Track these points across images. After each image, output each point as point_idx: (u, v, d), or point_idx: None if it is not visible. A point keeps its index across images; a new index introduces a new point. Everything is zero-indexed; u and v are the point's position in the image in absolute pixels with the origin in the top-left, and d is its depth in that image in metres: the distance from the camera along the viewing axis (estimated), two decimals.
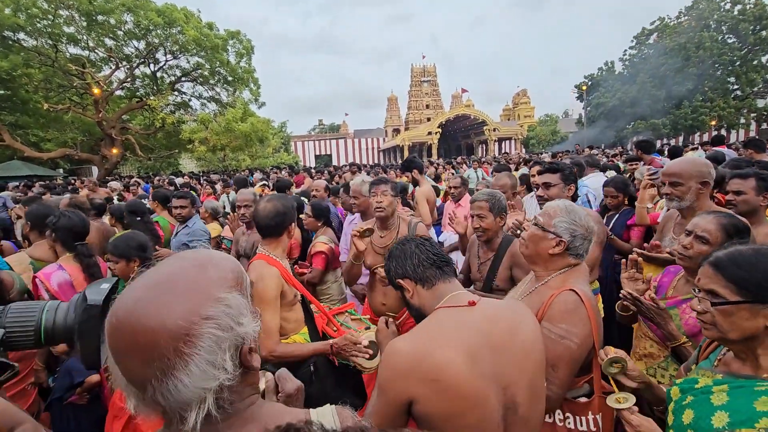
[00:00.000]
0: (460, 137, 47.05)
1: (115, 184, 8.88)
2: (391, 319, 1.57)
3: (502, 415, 1.09)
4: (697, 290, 1.12)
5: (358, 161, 41.15)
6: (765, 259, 1.02)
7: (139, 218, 3.70)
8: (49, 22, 18.02)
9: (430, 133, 38.14)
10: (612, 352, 1.32)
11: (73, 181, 13.38)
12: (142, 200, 5.44)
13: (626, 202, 3.59)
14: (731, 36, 29.82)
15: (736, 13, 29.11)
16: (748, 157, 4.59)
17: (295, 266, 3.36)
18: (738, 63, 29.42)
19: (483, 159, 12.61)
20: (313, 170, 11.42)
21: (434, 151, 38.18)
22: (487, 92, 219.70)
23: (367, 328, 1.97)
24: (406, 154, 37.59)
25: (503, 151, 38.87)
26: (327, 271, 3.33)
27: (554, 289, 1.51)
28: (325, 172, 10.99)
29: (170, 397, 0.59)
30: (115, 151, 21.16)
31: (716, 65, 29.55)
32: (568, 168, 2.64)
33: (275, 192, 5.72)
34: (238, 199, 3.26)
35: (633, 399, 1.20)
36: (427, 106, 49.55)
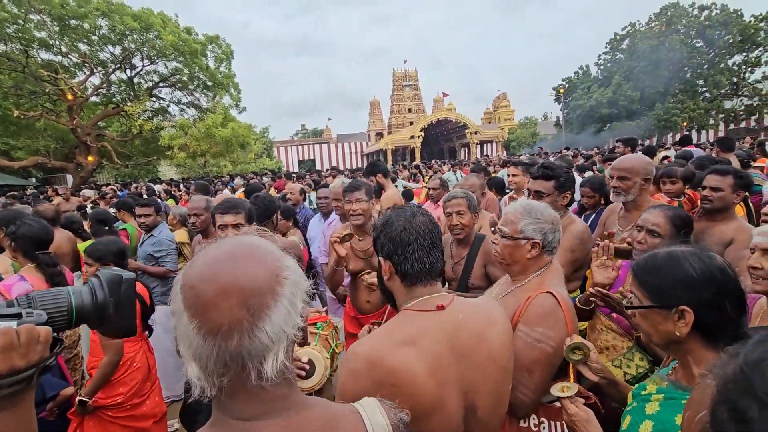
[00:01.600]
0: (443, 140, 47.49)
1: (89, 193, 8.64)
2: (376, 327, 1.49)
3: (462, 417, 1.10)
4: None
5: (341, 166, 41.09)
6: (671, 265, 1.02)
7: (107, 227, 3.71)
8: (19, 27, 17.49)
9: (412, 137, 38.38)
10: (577, 338, 1.32)
11: (45, 191, 12.97)
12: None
13: (602, 202, 3.69)
14: (699, 40, 31.01)
15: (702, 18, 30.33)
16: (715, 155, 4.80)
17: None
18: (706, 66, 30.61)
19: (464, 161, 12.74)
20: (293, 175, 11.38)
21: (417, 155, 38.41)
22: (469, 95, 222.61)
23: (308, 344, 1.87)
24: (389, 158, 37.72)
25: (484, 154, 39.43)
26: None
27: (531, 291, 1.48)
28: (306, 176, 10.94)
29: (256, 340, 0.62)
30: (90, 158, 20.61)
31: (685, 68, 30.68)
32: (565, 174, 2.36)
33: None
34: (189, 207, 3.18)
35: (575, 389, 1.22)
36: (410, 110, 49.89)
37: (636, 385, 1.18)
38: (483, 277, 2.33)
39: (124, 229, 4.02)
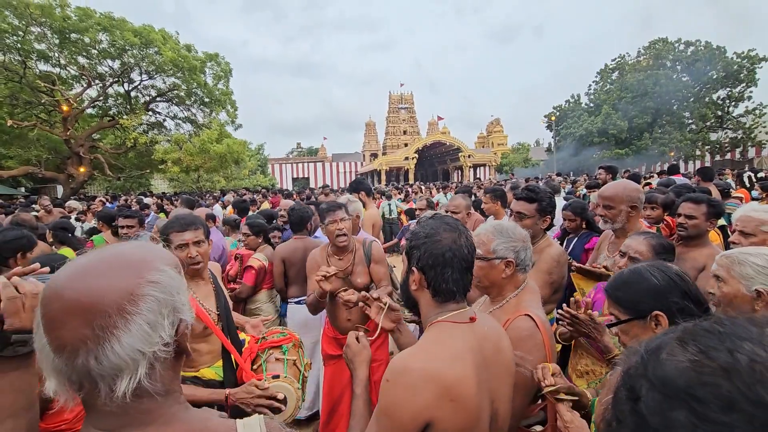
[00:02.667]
0: (437, 163, 48.01)
1: (74, 204, 8.53)
2: (362, 333, 1.44)
3: (489, 427, 1.13)
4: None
5: (335, 185, 41.23)
6: (637, 279, 1.12)
7: (71, 234, 3.81)
8: (19, 38, 17.63)
9: (407, 159, 38.78)
10: (549, 373, 1.30)
11: (34, 201, 12.81)
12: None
13: (584, 226, 3.74)
14: (685, 75, 32.15)
15: (689, 54, 31.54)
16: (696, 183, 4.92)
17: (228, 284, 3.33)
18: (692, 99, 31.64)
19: (453, 184, 12.87)
20: (284, 192, 11.45)
21: (411, 176, 38.72)
22: (463, 119, 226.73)
23: (276, 377, 1.70)
24: (383, 178, 37.97)
25: (477, 177, 39.86)
26: (257, 288, 3.30)
27: (510, 313, 1.49)
28: (294, 194, 10.98)
29: (105, 360, 0.60)
30: (82, 169, 20.48)
31: (672, 100, 31.68)
32: (547, 198, 2.35)
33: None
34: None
35: (574, 396, 1.25)
36: (404, 132, 50.56)
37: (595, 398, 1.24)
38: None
39: (91, 240, 4.05)
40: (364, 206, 4.10)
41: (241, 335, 2.10)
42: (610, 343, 1.65)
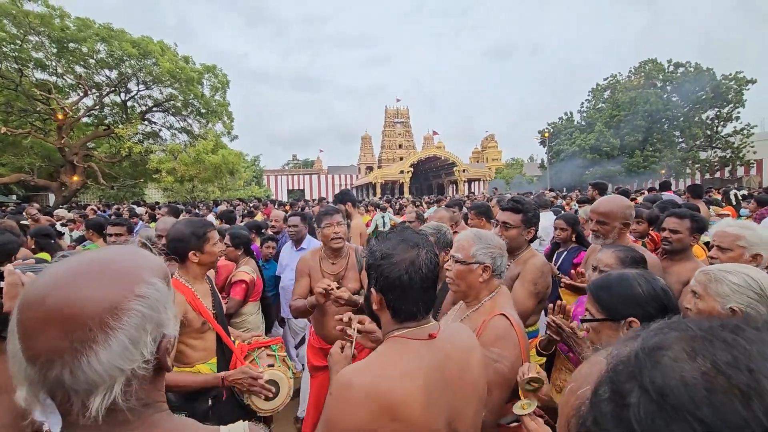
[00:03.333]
0: (432, 177, 48.30)
1: (62, 212, 8.46)
2: (348, 343, 1.43)
3: None
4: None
5: (330, 197, 41.24)
6: (622, 284, 1.16)
7: (53, 241, 3.82)
8: (17, 47, 17.70)
9: (402, 172, 38.99)
10: (535, 370, 1.35)
11: (25, 209, 12.70)
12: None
13: (574, 239, 3.79)
14: (675, 95, 32.88)
15: (678, 74, 32.32)
16: (686, 200, 4.98)
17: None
18: (682, 119, 32.29)
19: (446, 198, 12.98)
20: (276, 202, 11.47)
21: (406, 190, 38.89)
22: (458, 135, 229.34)
23: (271, 366, 1.87)
24: (378, 191, 38.09)
25: (471, 191, 40.13)
26: (245, 302, 3.25)
27: (485, 315, 1.56)
28: (286, 205, 11.00)
29: (80, 375, 0.57)
30: (75, 178, 20.37)
31: (663, 120, 32.32)
32: (533, 210, 2.43)
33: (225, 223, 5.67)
34: (157, 229, 3.14)
35: (535, 404, 1.25)
36: (400, 146, 50.97)
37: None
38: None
39: (88, 249, 4.00)
40: (350, 217, 4.14)
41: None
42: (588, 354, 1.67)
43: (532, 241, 2.48)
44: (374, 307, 1.17)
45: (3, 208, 14.56)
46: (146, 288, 0.64)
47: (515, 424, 1.52)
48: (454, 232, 3.70)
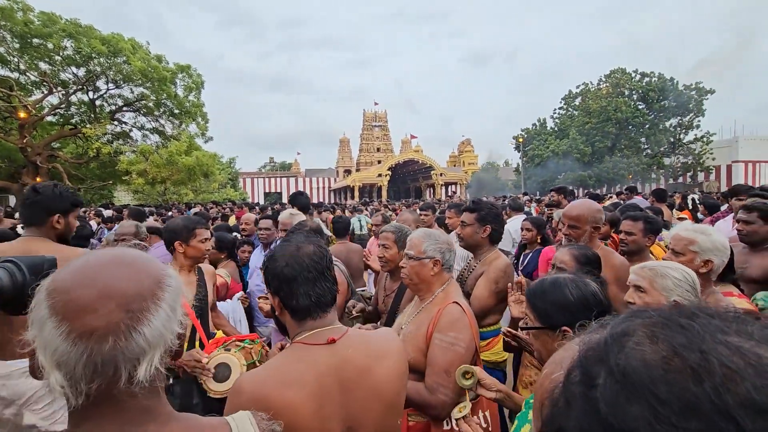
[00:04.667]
0: (409, 180, 48.67)
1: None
2: (288, 343, 1.46)
3: None
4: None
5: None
6: (555, 291, 1.17)
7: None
8: None
9: (380, 176, 39.14)
10: (463, 365, 1.46)
11: None
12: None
13: (539, 241, 3.93)
14: (641, 103, 34.38)
15: (644, 84, 33.81)
16: (650, 204, 5.22)
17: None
18: (647, 126, 33.79)
19: (420, 201, 13.12)
20: (249, 205, 11.35)
21: (384, 193, 39.03)
22: (436, 139, 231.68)
23: (227, 350, 1.94)
24: (356, 194, 38.07)
25: (448, 195, 40.65)
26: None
27: (439, 304, 1.71)
28: (269, 208, 10.88)
29: (134, 344, 0.62)
30: (38, 179, 19.46)
31: (630, 127, 33.73)
32: (486, 209, 2.59)
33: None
34: (117, 233, 3.08)
35: (468, 407, 1.32)
36: (378, 150, 51.10)
37: (530, 395, 1.29)
38: None
39: None
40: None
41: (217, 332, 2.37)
42: None
43: (496, 242, 2.59)
44: (276, 312, 1.17)
45: None
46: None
47: (473, 401, 1.64)
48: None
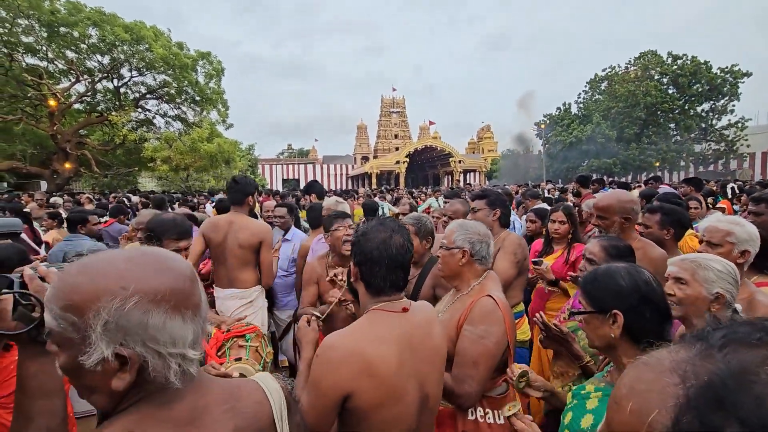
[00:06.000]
0: (427, 167, 48.26)
1: (57, 201, 8.45)
2: (314, 317, 1.56)
3: (417, 407, 1.25)
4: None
5: (326, 187, 41.11)
6: (607, 277, 1.22)
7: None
8: (6, 31, 17.30)
9: (398, 162, 38.90)
10: (517, 368, 1.47)
11: (18, 195, 12.55)
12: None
13: (543, 232, 3.78)
14: (671, 87, 32.95)
15: (675, 67, 32.32)
16: (686, 193, 4.98)
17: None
18: (677, 111, 32.42)
19: (444, 188, 12.98)
20: (273, 192, 11.43)
21: (402, 180, 38.86)
22: (455, 125, 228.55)
23: (238, 359, 1.86)
24: (374, 181, 38.03)
25: (467, 182, 40.21)
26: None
27: (473, 296, 1.71)
28: (290, 196, 10.92)
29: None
30: (68, 165, 20.11)
31: (659, 112, 32.42)
32: (494, 194, 2.89)
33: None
34: (136, 222, 3.13)
35: (518, 406, 1.35)
36: (396, 136, 50.74)
37: (575, 386, 1.33)
38: (431, 298, 2.38)
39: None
40: None
41: (211, 329, 2.25)
42: (579, 351, 1.73)
43: (505, 225, 2.83)
44: (352, 279, 1.35)
45: None
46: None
47: (500, 395, 1.67)
48: None
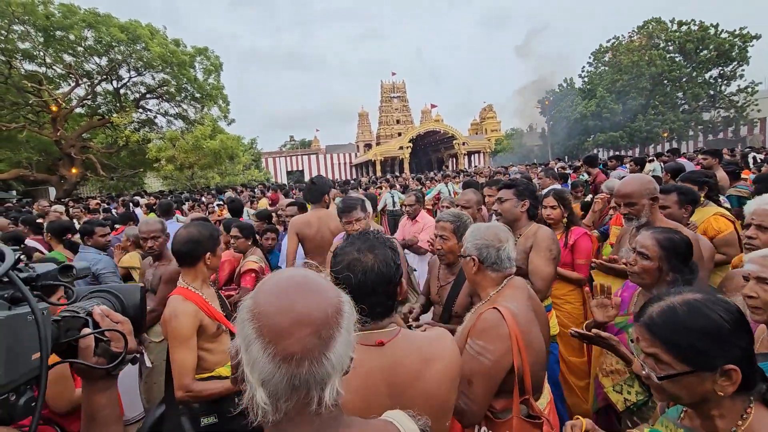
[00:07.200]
0: (431, 151, 47.85)
1: (60, 208, 8.42)
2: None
3: None
4: (639, 351, 1.04)
5: (330, 177, 41.00)
6: (696, 318, 0.92)
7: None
8: (2, 38, 17.19)
9: (401, 148, 38.58)
10: (582, 429, 1.20)
11: (28, 203, 12.64)
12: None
13: (565, 216, 3.62)
14: (678, 54, 32.09)
15: (682, 33, 31.41)
16: (711, 165, 4.79)
17: (221, 290, 3.19)
18: (684, 79, 31.63)
19: (456, 173, 12.78)
20: (280, 187, 11.33)
21: (406, 166, 38.61)
22: (457, 107, 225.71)
23: None
24: (378, 168, 37.84)
25: (474, 164, 39.83)
26: None
27: (484, 308, 1.56)
28: (295, 190, 10.85)
29: (323, 368, 0.67)
30: (74, 170, 20.20)
31: (665, 81, 31.66)
32: (524, 184, 2.61)
33: (230, 213, 5.61)
34: (142, 231, 3.01)
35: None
36: (398, 122, 50.24)
37: (647, 429, 1.14)
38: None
39: (53, 258, 3.36)
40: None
41: None
42: (628, 354, 1.64)
43: (533, 217, 2.61)
44: None
45: (3, 204, 14.50)
46: (343, 295, 0.76)
47: (503, 420, 1.51)
48: (479, 210, 3.67)
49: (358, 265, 1.12)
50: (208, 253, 2.01)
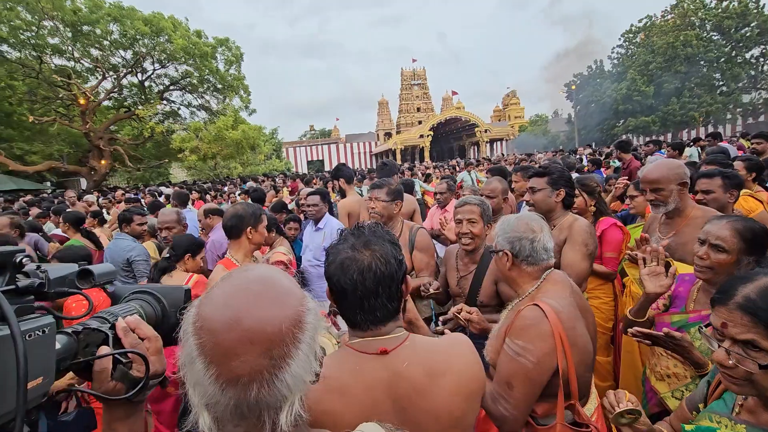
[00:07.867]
0: (452, 139, 47.17)
1: (91, 198, 8.66)
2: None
3: None
4: (720, 337, 0.91)
5: (351, 166, 40.92)
6: None
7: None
8: (33, 34, 17.74)
9: (422, 136, 38.16)
10: (626, 400, 1.16)
11: (61, 194, 13.11)
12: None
13: (594, 205, 3.38)
14: (715, 33, 30.26)
15: (720, 11, 29.57)
16: (762, 149, 4.44)
17: None
18: (723, 59, 29.86)
19: (478, 161, 12.46)
20: (301, 177, 11.33)
21: (426, 154, 38.19)
22: (478, 94, 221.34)
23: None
24: (398, 157, 37.57)
25: (498, 153, 39.02)
26: None
27: (523, 304, 1.44)
28: (316, 179, 10.80)
29: (276, 390, 0.58)
30: (103, 162, 20.84)
31: (702, 62, 29.97)
32: (558, 171, 2.38)
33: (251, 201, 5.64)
34: (159, 222, 3.05)
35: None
36: (418, 109, 49.62)
37: (690, 428, 1.04)
38: (494, 296, 2.13)
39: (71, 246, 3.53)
40: (344, 194, 4.01)
41: None
42: (701, 358, 1.46)
43: (569, 206, 2.41)
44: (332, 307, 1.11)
45: (38, 195, 15.08)
46: (309, 301, 0.66)
47: (547, 427, 1.38)
48: (504, 199, 3.51)
49: (353, 264, 0.98)
50: (250, 227, 2.29)
